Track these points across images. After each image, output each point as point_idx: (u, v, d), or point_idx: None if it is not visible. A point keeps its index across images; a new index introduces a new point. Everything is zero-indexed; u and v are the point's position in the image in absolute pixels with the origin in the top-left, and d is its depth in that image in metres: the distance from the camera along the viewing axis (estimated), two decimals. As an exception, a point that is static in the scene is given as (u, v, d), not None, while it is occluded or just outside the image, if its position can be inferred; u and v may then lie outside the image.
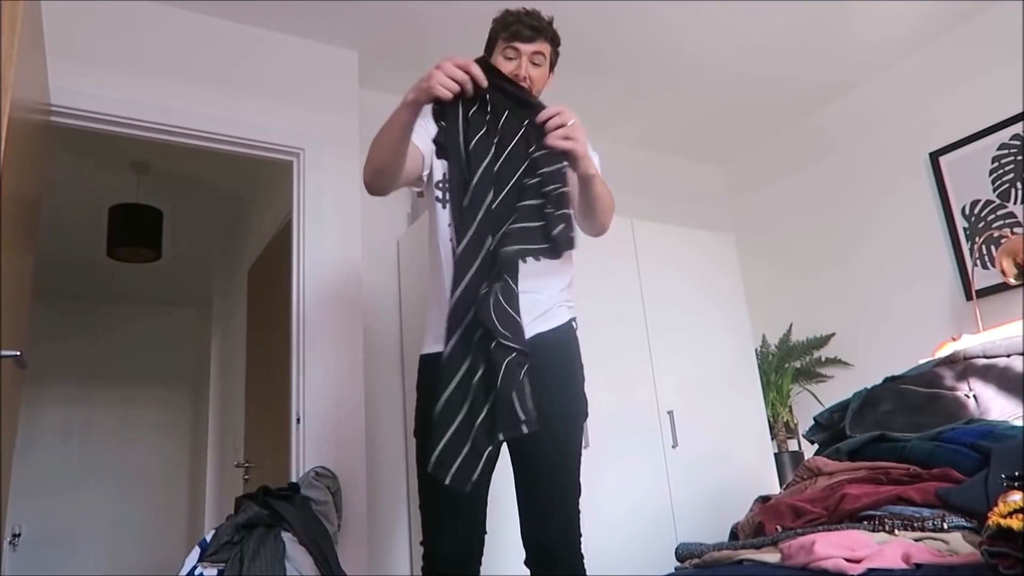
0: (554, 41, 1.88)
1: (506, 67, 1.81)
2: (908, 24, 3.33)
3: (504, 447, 1.78)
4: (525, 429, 1.46)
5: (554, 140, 1.57)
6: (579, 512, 1.75)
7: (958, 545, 1.12)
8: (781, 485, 3.27)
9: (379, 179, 1.75)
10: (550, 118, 1.58)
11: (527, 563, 1.73)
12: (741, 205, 4.46)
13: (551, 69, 1.91)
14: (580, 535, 1.74)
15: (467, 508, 1.73)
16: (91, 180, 4.02)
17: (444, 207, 1.83)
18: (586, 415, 1.81)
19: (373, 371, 2.96)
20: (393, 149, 1.69)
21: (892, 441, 1.57)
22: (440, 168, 1.82)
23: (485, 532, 1.76)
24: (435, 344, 1.73)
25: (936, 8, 3.24)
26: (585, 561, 1.75)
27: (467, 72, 1.54)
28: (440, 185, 1.86)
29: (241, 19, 2.91)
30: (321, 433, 2.66)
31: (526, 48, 1.82)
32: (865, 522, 1.27)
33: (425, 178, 1.87)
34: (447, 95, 1.53)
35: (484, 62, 1.65)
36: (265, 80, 2.92)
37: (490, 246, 1.52)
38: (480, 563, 1.76)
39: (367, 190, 1.79)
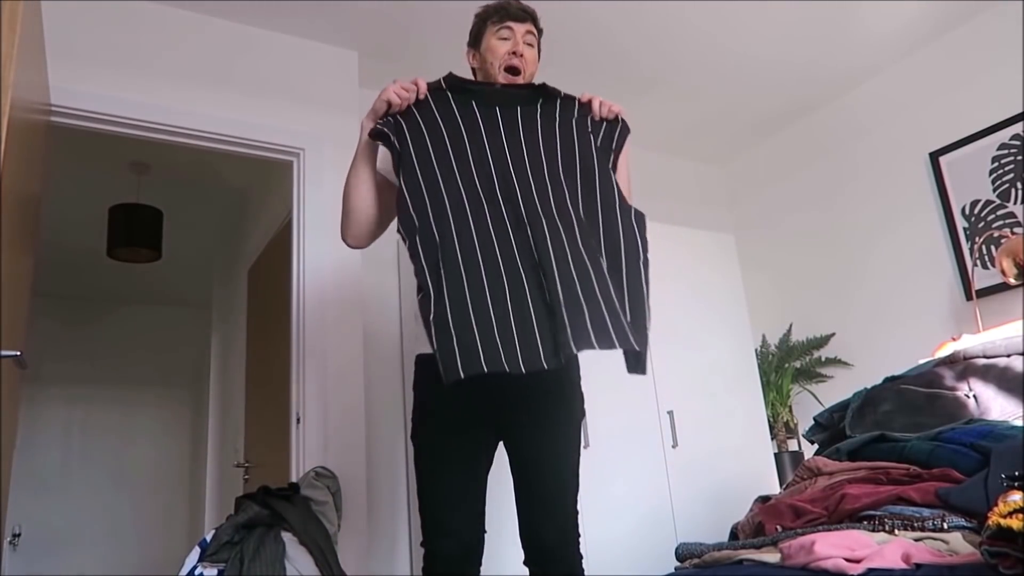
0: (540, 29, 1.92)
1: (501, 48, 1.84)
2: (908, 24, 3.33)
3: (501, 447, 1.80)
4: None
5: (606, 111, 1.77)
6: (578, 512, 1.75)
7: (958, 545, 1.12)
8: (781, 485, 3.27)
9: (348, 222, 1.81)
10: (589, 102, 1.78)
11: (526, 563, 1.73)
12: (741, 205, 4.46)
13: (538, 55, 1.93)
14: (579, 535, 1.75)
15: (467, 507, 1.73)
16: (91, 180, 4.01)
17: None
18: (583, 414, 1.82)
19: (373, 371, 2.96)
20: (358, 188, 1.77)
21: (892, 441, 1.57)
22: None
23: (484, 531, 1.77)
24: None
25: (936, 8, 3.23)
26: (584, 561, 1.75)
27: (415, 85, 1.70)
28: None
29: (241, 19, 2.91)
30: (321, 433, 2.66)
31: (519, 27, 1.85)
32: (865, 522, 1.27)
33: None
34: (398, 100, 1.67)
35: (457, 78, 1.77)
36: (265, 80, 2.92)
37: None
38: (480, 563, 1.76)
39: (350, 244, 1.86)
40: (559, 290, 1.45)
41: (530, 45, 1.87)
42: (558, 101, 1.78)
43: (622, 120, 1.82)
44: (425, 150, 1.64)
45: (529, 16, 1.88)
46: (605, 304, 1.48)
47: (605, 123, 1.79)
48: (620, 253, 1.61)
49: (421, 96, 1.69)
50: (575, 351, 1.42)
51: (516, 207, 1.57)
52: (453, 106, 1.71)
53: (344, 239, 1.85)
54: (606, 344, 1.44)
